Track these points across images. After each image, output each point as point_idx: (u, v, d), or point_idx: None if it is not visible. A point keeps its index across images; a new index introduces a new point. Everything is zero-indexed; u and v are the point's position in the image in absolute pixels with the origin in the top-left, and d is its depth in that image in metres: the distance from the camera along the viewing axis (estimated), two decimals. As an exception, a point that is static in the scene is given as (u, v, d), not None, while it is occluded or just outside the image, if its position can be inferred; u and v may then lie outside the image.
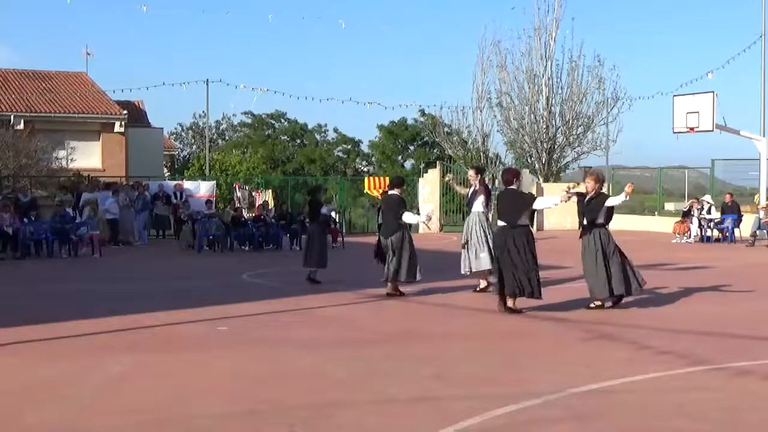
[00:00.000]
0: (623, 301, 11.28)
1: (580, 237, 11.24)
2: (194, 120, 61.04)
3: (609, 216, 11.21)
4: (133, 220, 24.17)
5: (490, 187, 13.92)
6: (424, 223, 13.60)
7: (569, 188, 11.70)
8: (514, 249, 10.58)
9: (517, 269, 10.54)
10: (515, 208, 10.76)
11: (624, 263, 11.04)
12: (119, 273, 16.78)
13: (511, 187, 11.01)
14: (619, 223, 30.31)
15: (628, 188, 11.22)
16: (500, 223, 10.93)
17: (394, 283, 12.52)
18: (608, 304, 11.07)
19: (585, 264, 11.11)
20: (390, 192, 13.05)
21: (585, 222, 11.14)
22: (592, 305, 11.06)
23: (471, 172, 13.51)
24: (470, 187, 13.27)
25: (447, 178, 15.02)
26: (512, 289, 10.63)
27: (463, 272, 12.96)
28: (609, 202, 11.15)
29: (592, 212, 11.06)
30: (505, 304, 10.72)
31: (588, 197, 11.17)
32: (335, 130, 61.32)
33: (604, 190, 11.48)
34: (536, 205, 11.00)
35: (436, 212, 30.32)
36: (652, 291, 12.94)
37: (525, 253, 10.58)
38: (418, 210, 18.93)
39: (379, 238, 12.92)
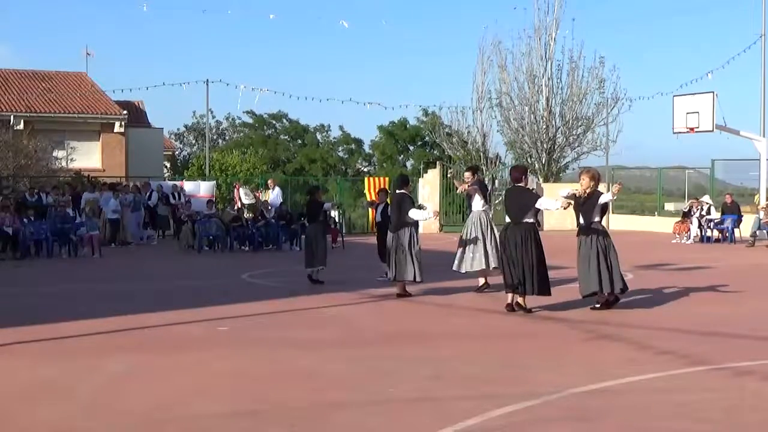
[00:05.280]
0: (623, 301, 11.29)
1: (578, 235, 11.28)
2: (195, 120, 61.09)
3: (603, 212, 11.28)
4: (132, 220, 24.14)
5: (489, 187, 13.98)
6: (431, 217, 13.67)
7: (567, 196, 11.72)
8: (518, 246, 10.67)
9: (520, 266, 10.62)
10: (521, 205, 10.88)
11: (618, 264, 11.08)
12: (119, 273, 16.77)
13: (519, 184, 11.11)
14: (619, 223, 30.61)
15: (615, 189, 11.42)
16: (507, 220, 11.06)
17: (402, 283, 12.51)
18: (596, 304, 11.08)
19: (580, 263, 11.11)
20: (397, 192, 13.03)
21: (582, 221, 11.18)
22: (597, 305, 11.08)
23: (467, 174, 13.56)
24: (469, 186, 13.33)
25: (450, 174, 15.37)
26: (514, 286, 10.72)
27: (454, 269, 12.98)
28: (601, 199, 11.17)
29: (588, 212, 11.08)
30: (511, 302, 10.81)
31: (583, 197, 11.17)
32: (341, 128, 61.34)
33: (601, 188, 11.48)
34: (539, 204, 11.03)
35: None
36: (652, 291, 12.96)
37: (529, 249, 10.64)
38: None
39: (379, 238, 12.89)
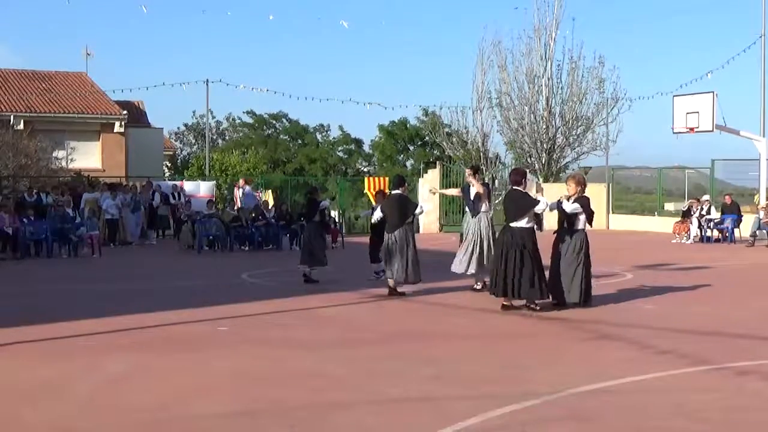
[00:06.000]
0: (622, 301, 11.29)
1: (554, 233, 11.28)
2: (195, 120, 61.12)
3: (590, 216, 11.25)
4: (131, 220, 24.14)
5: (489, 186, 14.01)
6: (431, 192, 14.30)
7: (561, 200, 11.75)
8: (514, 250, 10.68)
9: (514, 270, 10.64)
10: (519, 209, 10.87)
11: (589, 273, 11.06)
12: (119, 273, 16.77)
13: (518, 187, 11.09)
14: (619, 223, 30.63)
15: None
16: (505, 222, 11.02)
17: (400, 283, 12.51)
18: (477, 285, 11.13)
19: (562, 270, 11.06)
20: (394, 191, 13.04)
21: (565, 225, 11.21)
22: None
23: (468, 172, 13.53)
24: (466, 186, 13.30)
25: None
26: (506, 289, 10.77)
27: (453, 270, 12.98)
28: (567, 208, 11.09)
29: (571, 216, 11.11)
30: (507, 303, 10.87)
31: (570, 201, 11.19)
32: (341, 128, 61.35)
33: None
34: (539, 209, 11.03)
35: (435, 212, 30.44)
36: (651, 291, 12.96)
37: (525, 254, 10.65)
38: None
39: (372, 240, 12.93)
